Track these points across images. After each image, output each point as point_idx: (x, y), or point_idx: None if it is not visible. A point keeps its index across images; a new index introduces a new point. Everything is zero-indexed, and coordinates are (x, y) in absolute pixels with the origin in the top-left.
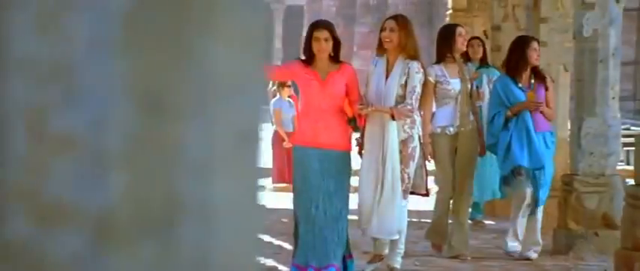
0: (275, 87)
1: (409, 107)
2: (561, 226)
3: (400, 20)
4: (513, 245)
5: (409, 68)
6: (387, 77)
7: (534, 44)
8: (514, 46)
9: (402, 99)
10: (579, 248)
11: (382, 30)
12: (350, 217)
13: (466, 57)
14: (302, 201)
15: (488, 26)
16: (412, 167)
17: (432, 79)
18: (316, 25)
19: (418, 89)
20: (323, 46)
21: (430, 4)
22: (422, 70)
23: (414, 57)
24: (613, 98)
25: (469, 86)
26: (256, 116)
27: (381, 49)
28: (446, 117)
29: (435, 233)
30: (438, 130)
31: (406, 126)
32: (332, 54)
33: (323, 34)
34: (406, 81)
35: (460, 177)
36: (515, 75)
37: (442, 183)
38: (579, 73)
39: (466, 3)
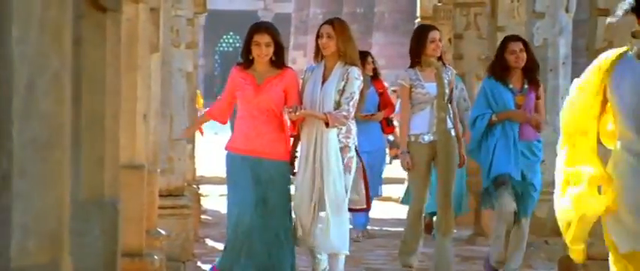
0: None
1: (344, 113)
2: None
3: (337, 25)
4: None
5: (349, 73)
6: (323, 83)
7: (512, 46)
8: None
9: (339, 106)
10: (529, 256)
11: (319, 36)
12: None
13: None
14: (234, 211)
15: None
16: (349, 179)
17: (406, 84)
18: (257, 29)
19: (356, 96)
20: (263, 51)
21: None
22: (362, 77)
23: (353, 63)
24: None
25: (446, 90)
26: None
27: (318, 55)
28: (421, 124)
29: (406, 253)
30: (412, 138)
31: (341, 136)
32: (273, 58)
33: (264, 39)
34: (344, 88)
35: (442, 189)
36: (499, 77)
37: (414, 195)
38: None
39: (432, 11)
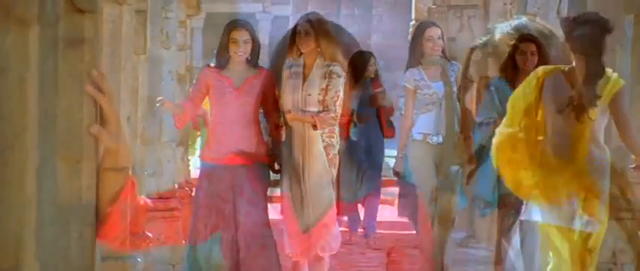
0: None
1: (333, 115)
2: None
3: (314, 22)
4: None
5: (330, 71)
6: (304, 81)
7: (523, 46)
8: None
9: (322, 105)
10: None
11: (296, 33)
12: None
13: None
14: (213, 221)
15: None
16: (333, 173)
17: (410, 85)
18: (234, 26)
19: (341, 94)
20: (241, 49)
21: None
22: (344, 73)
23: (333, 59)
24: None
25: (454, 89)
26: None
27: (292, 52)
28: (428, 124)
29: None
30: (419, 137)
31: (324, 136)
32: (249, 57)
33: (242, 36)
34: (328, 87)
35: (444, 194)
36: (509, 78)
37: (425, 200)
38: None
39: (427, 14)
